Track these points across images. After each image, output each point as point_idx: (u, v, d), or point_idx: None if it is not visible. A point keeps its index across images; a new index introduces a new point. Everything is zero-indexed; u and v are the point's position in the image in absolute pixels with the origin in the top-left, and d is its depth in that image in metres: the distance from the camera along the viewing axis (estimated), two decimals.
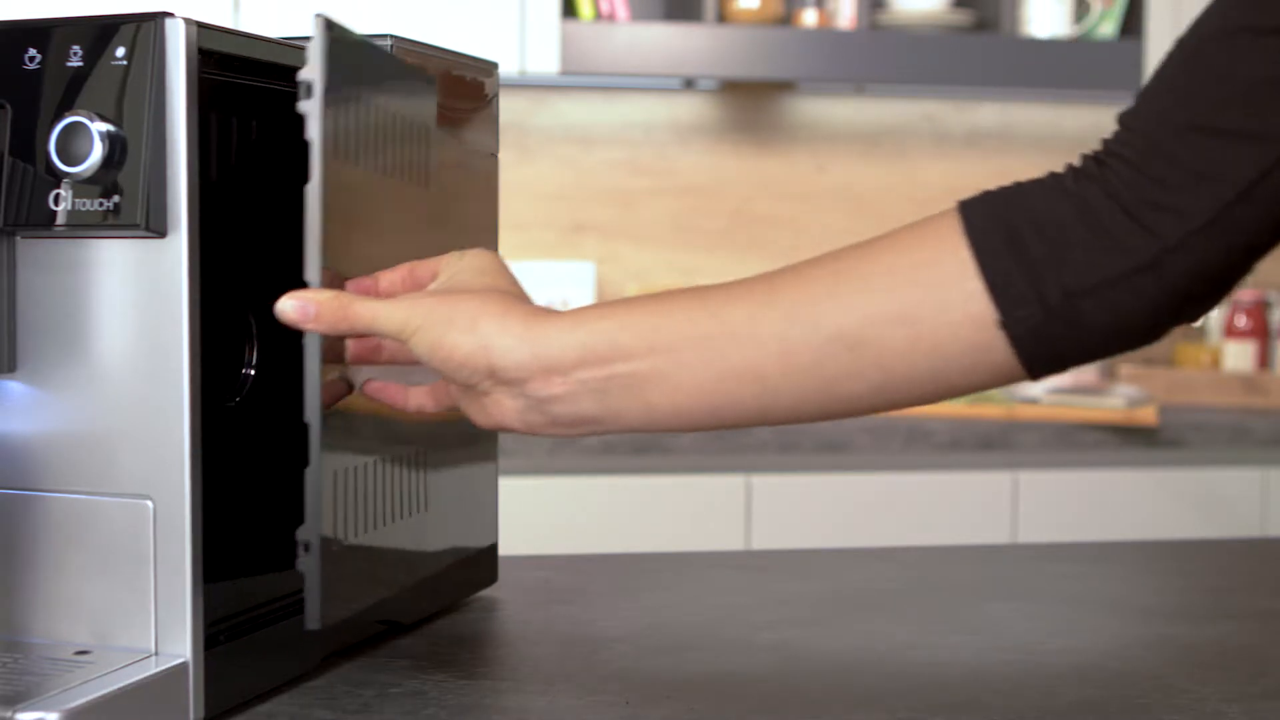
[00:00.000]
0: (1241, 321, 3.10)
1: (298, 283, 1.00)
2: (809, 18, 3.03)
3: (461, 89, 1.15)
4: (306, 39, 0.96)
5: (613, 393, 0.87)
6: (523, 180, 3.18)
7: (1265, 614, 1.19)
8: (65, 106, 0.86)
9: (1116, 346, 0.87)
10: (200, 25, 0.86)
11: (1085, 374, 3.13)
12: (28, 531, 0.90)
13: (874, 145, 3.32)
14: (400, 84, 0.96)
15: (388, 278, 0.93)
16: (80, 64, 0.86)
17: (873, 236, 0.89)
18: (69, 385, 0.88)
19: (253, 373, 0.93)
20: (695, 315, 0.87)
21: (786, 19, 3.03)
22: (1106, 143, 0.87)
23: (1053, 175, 0.89)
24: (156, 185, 0.85)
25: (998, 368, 0.86)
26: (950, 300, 0.85)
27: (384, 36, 1.05)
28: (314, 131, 0.84)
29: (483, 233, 1.18)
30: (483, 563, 1.21)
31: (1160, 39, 2.99)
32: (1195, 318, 0.87)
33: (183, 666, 0.87)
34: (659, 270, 3.26)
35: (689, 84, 3.24)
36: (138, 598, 0.88)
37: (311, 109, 0.84)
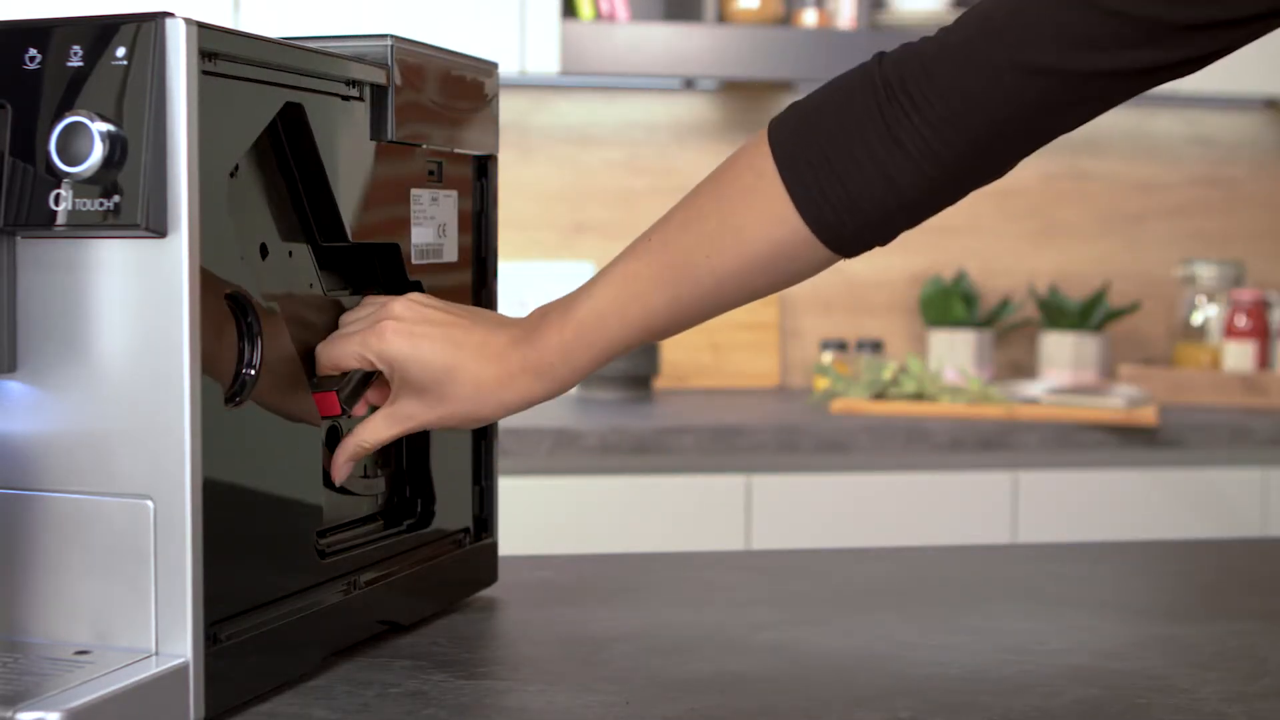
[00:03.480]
0: (1241, 321, 3.10)
1: (297, 280, 1.00)
2: (809, 18, 3.03)
3: (461, 89, 1.15)
4: (308, 39, 0.96)
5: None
6: (523, 180, 3.18)
7: (1265, 614, 1.19)
8: (65, 106, 0.85)
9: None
10: (200, 25, 0.86)
11: (1085, 374, 3.14)
12: (28, 531, 0.89)
13: None
14: None
15: None
16: (80, 64, 0.86)
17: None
18: (69, 385, 0.88)
19: (253, 373, 0.93)
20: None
21: (786, 19, 3.03)
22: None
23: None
24: (156, 185, 0.85)
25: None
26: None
27: (384, 36, 1.05)
28: None
29: None
30: (483, 563, 1.21)
31: None
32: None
33: (183, 666, 0.87)
34: None
35: (689, 84, 3.24)
36: (138, 598, 0.88)
37: None
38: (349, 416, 1.07)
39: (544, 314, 1.05)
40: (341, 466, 1.05)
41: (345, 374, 1.06)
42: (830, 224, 0.99)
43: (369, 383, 1.08)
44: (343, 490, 1.07)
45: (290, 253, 1.00)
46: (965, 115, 0.95)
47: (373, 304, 1.07)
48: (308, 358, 1.03)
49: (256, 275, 0.95)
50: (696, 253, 1.01)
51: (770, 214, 0.99)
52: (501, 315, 1.08)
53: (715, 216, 1.01)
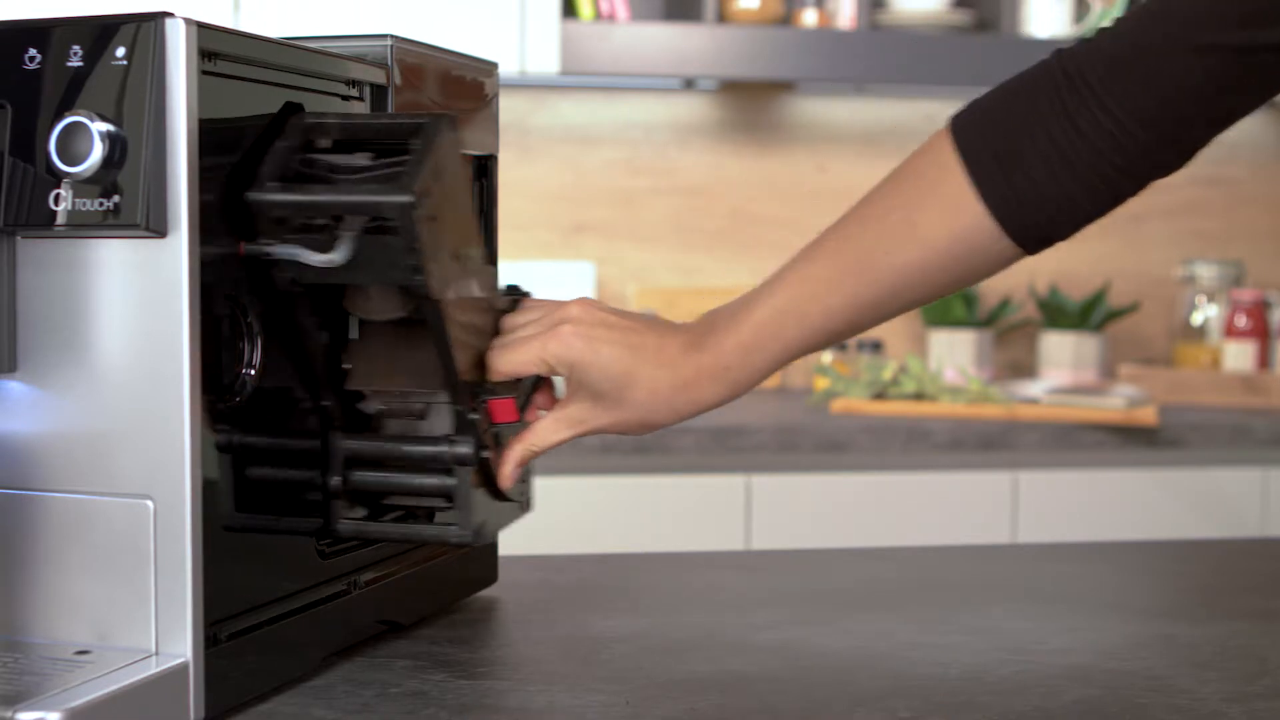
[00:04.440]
0: (1241, 321, 3.10)
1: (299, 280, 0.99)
2: (809, 18, 3.03)
3: (461, 89, 1.15)
4: (308, 39, 0.96)
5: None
6: (523, 180, 3.18)
7: (1265, 614, 1.19)
8: (65, 106, 0.85)
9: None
10: (200, 25, 0.86)
11: (1085, 374, 3.14)
12: (28, 531, 0.89)
13: (874, 145, 3.32)
14: None
15: None
16: (80, 64, 0.86)
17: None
18: (69, 385, 0.88)
19: (253, 373, 0.93)
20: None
21: (786, 19, 3.03)
22: None
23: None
24: (156, 185, 0.85)
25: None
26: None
27: (384, 36, 1.05)
28: None
29: None
30: (483, 563, 1.21)
31: None
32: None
33: (183, 666, 0.87)
34: (659, 270, 3.26)
35: (689, 84, 3.24)
36: (138, 598, 0.88)
37: None
38: (523, 422, 1.06)
39: (714, 318, 1.05)
40: (511, 472, 1.04)
41: (519, 380, 1.05)
42: (1016, 215, 0.99)
43: (538, 387, 1.07)
44: (500, 495, 1.05)
45: (471, 257, 1.00)
46: (1143, 100, 0.96)
47: (539, 308, 1.06)
48: (478, 363, 1.02)
49: (256, 275, 0.95)
50: (876, 250, 1.01)
51: (954, 207, 0.99)
52: (667, 320, 1.06)
53: (896, 213, 1.01)
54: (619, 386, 1.02)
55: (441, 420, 1.03)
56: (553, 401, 1.07)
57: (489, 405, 1.02)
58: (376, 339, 1.02)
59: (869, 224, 1.02)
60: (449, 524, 1.02)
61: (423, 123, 0.94)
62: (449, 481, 1.01)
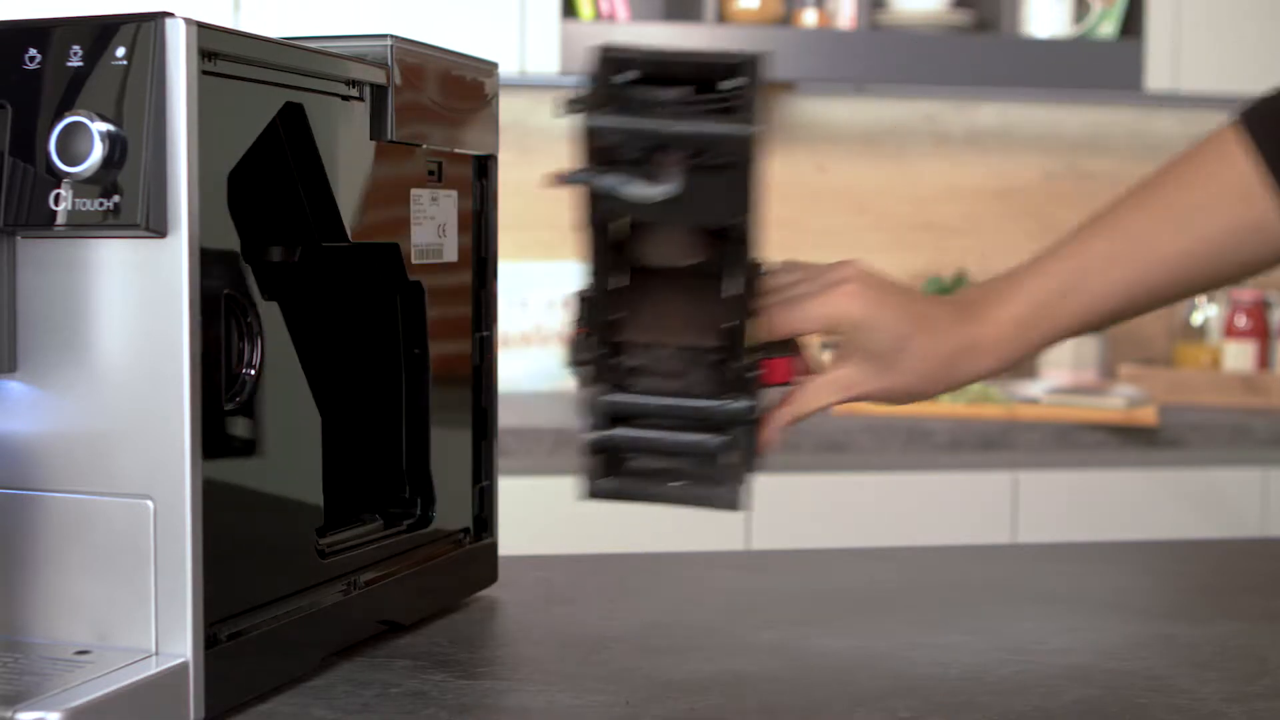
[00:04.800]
0: (1241, 321, 3.10)
1: (300, 280, 0.99)
2: (809, 18, 3.03)
3: (461, 89, 1.15)
4: (308, 39, 0.95)
5: None
6: (523, 180, 3.17)
7: (1265, 614, 1.19)
8: (65, 106, 0.85)
9: None
10: (200, 25, 0.86)
11: (1085, 374, 3.14)
12: (28, 531, 0.90)
13: (874, 145, 3.32)
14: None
15: None
16: (80, 64, 0.86)
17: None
18: (69, 385, 0.88)
19: (253, 373, 0.93)
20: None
21: (786, 19, 3.03)
22: None
23: None
24: (156, 185, 0.85)
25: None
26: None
27: (384, 36, 1.05)
28: None
29: None
30: (483, 563, 1.21)
31: (1160, 39, 2.99)
32: None
33: (183, 666, 0.87)
34: None
35: None
36: (138, 598, 0.88)
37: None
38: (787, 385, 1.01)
39: (984, 291, 1.04)
40: (776, 436, 1.00)
41: (786, 341, 0.99)
42: None
43: (798, 350, 1.02)
44: (750, 461, 0.98)
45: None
46: None
47: (804, 267, 1.02)
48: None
49: (257, 275, 0.95)
50: (1157, 235, 1.01)
51: (1243, 197, 1.01)
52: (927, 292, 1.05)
53: (1179, 200, 1.02)
54: (894, 351, 1.00)
55: (699, 378, 0.95)
56: (808, 367, 1.03)
57: (767, 365, 0.96)
58: (648, 288, 0.94)
59: (1149, 210, 1.02)
60: (709, 487, 0.97)
61: (740, 61, 0.89)
62: (711, 440, 0.95)
